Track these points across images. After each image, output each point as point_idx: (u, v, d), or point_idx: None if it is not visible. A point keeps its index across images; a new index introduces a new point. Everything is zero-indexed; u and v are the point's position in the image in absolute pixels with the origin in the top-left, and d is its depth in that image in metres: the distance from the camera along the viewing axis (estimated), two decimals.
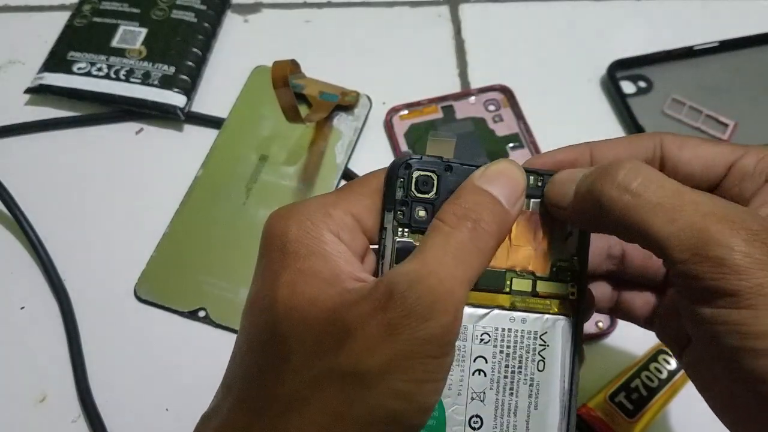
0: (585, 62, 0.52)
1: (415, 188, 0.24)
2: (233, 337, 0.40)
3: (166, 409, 0.39)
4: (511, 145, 0.47)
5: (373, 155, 0.47)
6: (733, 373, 0.21)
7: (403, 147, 0.47)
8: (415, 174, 0.24)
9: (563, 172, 0.25)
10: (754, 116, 0.49)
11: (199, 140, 0.48)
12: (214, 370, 0.40)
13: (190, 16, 0.52)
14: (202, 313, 0.41)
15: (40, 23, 0.53)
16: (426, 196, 0.24)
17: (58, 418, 0.38)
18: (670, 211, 0.21)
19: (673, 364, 0.38)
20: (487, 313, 0.25)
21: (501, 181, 0.24)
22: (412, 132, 0.48)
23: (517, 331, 0.25)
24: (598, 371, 0.39)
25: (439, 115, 0.48)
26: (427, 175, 0.24)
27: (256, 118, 0.48)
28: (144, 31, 0.51)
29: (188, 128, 0.49)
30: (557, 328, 0.25)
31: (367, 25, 0.54)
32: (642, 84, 0.50)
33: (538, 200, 0.25)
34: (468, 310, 0.25)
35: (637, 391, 0.37)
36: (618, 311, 0.30)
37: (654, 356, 0.38)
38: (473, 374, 0.25)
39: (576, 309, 0.26)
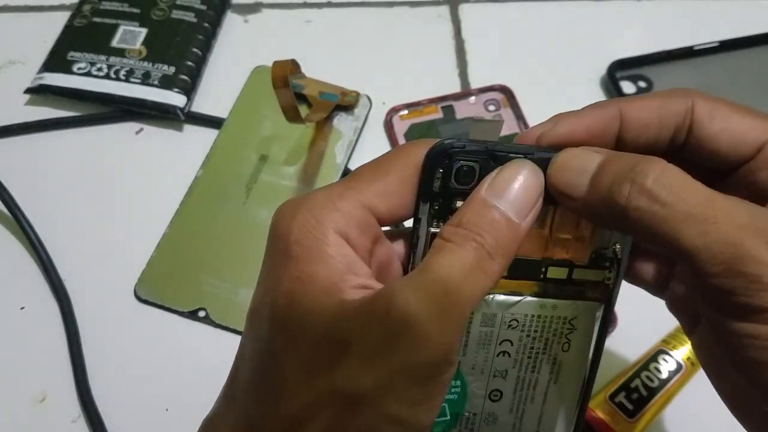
0: (585, 62, 0.52)
1: (455, 179, 0.22)
2: (233, 336, 0.41)
3: (166, 409, 0.39)
4: None
5: (373, 155, 0.47)
6: (752, 382, 0.20)
7: None
8: (456, 165, 0.22)
9: (570, 154, 0.22)
10: None
11: (199, 140, 0.48)
12: (214, 369, 0.40)
13: (190, 16, 0.52)
14: (202, 313, 0.41)
15: (40, 23, 0.53)
16: (466, 187, 0.22)
17: (58, 418, 0.38)
18: (702, 222, 0.20)
19: (673, 364, 0.38)
20: (518, 301, 0.24)
21: (511, 194, 0.22)
22: (412, 132, 0.48)
23: (546, 317, 0.24)
24: (598, 371, 0.39)
25: (439, 115, 0.48)
26: (470, 166, 0.22)
27: (256, 118, 0.48)
28: (144, 31, 0.51)
29: (188, 128, 0.49)
30: (588, 313, 0.25)
31: (367, 25, 0.54)
32: (642, 84, 0.50)
33: None
34: (499, 298, 0.24)
35: (637, 391, 0.37)
36: (628, 275, 0.28)
37: (654, 356, 0.38)
38: (497, 355, 0.24)
39: (610, 293, 0.25)
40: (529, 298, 0.24)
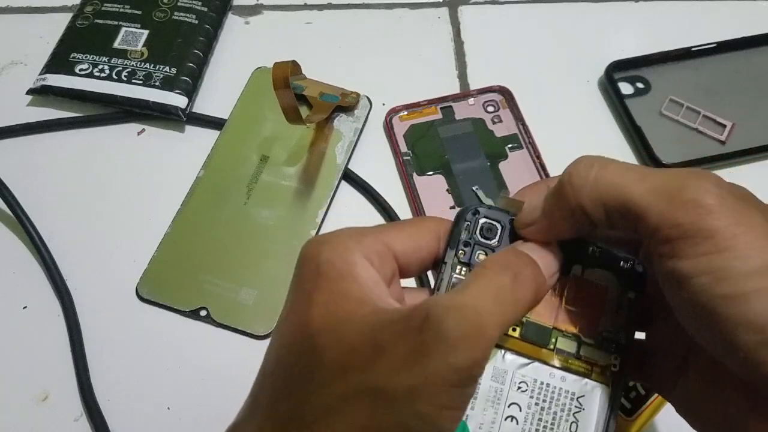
0: (583, 63, 0.52)
1: (480, 233, 0.26)
2: (234, 336, 0.41)
3: (168, 408, 0.39)
4: (510, 146, 0.47)
5: (373, 156, 0.48)
6: (722, 340, 0.21)
7: (403, 147, 0.47)
8: (482, 221, 0.26)
9: (528, 200, 0.26)
10: (752, 117, 0.49)
11: (200, 141, 0.48)
12: (216, 368, 0.40)
13: (191, 18, 0.52)
14: (203, 313, 0.42)
15: (42, 24, 0.54)
16: (488, 242, 0.26)
17: (61, 417, 0.39)
18: (639, 173, 0.23)
19: None
20: (529, 363, 0.26)
21: (541, 253, 0.25)
22: (412, 132, 0.48)
23: (555, 387, 0.26)
24: None
25: (439, 116, 0.49)
26: (492, 224, 0.26)
27: (257, 119, 0.48)
28: (145, 32, 0.51)
29: (189, 129, 0.49)
30: (595, 394, 0.26)
31: (367, 26, 0.55)
32: (640, 85, 0.50)
33: (593, 270, 0.27)
34: (510, 356, 0.26)
35: (635, 390, 0.38)
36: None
37: None
38: (505, 419, 0.25)
39: (616, 381, 0.26)
40: (539, 364, 0.26)
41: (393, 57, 0.53)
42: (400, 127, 0.48)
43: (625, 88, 0.50)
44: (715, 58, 0.52)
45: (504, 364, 0.26)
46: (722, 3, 0.56)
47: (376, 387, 0.21)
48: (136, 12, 0.52)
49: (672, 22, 0.54)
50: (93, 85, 0.48)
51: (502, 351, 0.26)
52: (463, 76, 0.52)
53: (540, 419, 0.25)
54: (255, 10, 0.55)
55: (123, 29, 0.51)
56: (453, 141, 0.48)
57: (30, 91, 0.49)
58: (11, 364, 0.40)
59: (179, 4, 0.52)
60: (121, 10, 0.52)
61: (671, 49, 0.51)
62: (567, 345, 0.26)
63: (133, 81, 0.49)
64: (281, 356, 0.24)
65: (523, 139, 0.48)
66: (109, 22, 0.52)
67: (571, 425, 0.25)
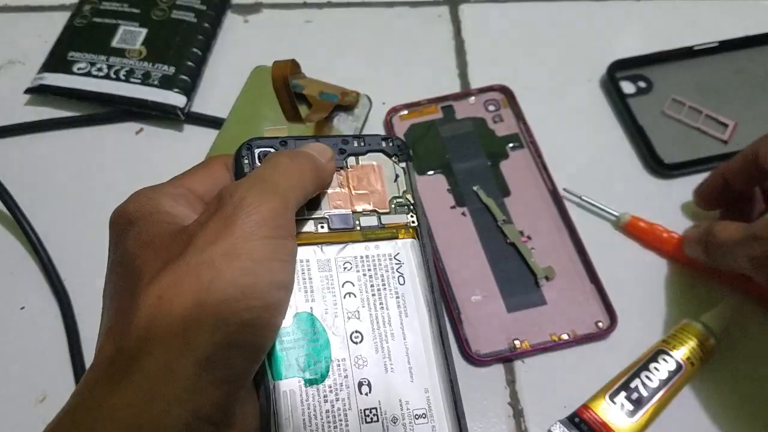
0: (585, 62, 0.52)
1: (259, 161, 0.30)
2: None
3: None
4: (510, 145, 0.47)
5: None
6: None
7: None
8: (257, 150, 0.30)
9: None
10: (754, 116, 0.49)
11: (199, 140, 0.48)
12: None
13: (190, 17, 0.52)
14: None
15: (40, 23, 0.54)
16: None
17: None
18: None
19: (672, 364, 0.38)
20: (345, 246, 0.30)
21: (318, 148, 0.30)
22: (412, 132, 0.48)
23: (373, 256, 0.30)
24: (598, 371, 0.39)
25: (439, 115, 0.48)
26: (267, 150, 0.30)
27: (257, 118, 0.48)
28: (144, 31, 0.51)
29: (188, 128, 0.49)
30: (406, 247, 0.30)
31: (367, 25, 0.54)
32: (642, 84, 0.50)
33: (365, 156, 0.32)
34: (327, 248, 0.29)
35: (637, 391, 0.37)
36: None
37: (654, 356, 0.38)
38: (345, 297, 0.29)
39: (418, 232, 0.31)
40: (353, 244, 0.30)
41: (393, 56, 0.53)
42: (401, 127, 0.48)
43: (627, 88, 0.50)
44: (718, 57, 0.51)
45: (324, 255, 0.29)
46: (724, 2, 0.55)
47: (194, 264, 0.23)
48: (135, 11, 0.52)
49: (674, 21, 0.54)
50: (91, 84, 0.48)
51: (320, 246, 0.29)
52: (463, 75, 0.52)
53: (372, 285, 0.29)
54: (254, 8, 0.55)
55: (121, 28, 0.51)
56: (453, 140, 0.47)
57: (28, 91, 0.49)
58: (9, 364, 0.40)
59: (178, 2, 0.52)
60: (120, 8, 0.52)
61: (673, 49, 0.51)
62: (368, 221, 0.31)
63: (132, 80, 0.48)
64: (110, 297, 0.26)
65: (523, 138, 0.47)
66: (107, 20, 0.51)
67: (398, 278, 0.30)
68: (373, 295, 0.29)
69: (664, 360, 0.38)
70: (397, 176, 0.32)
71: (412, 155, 0.33)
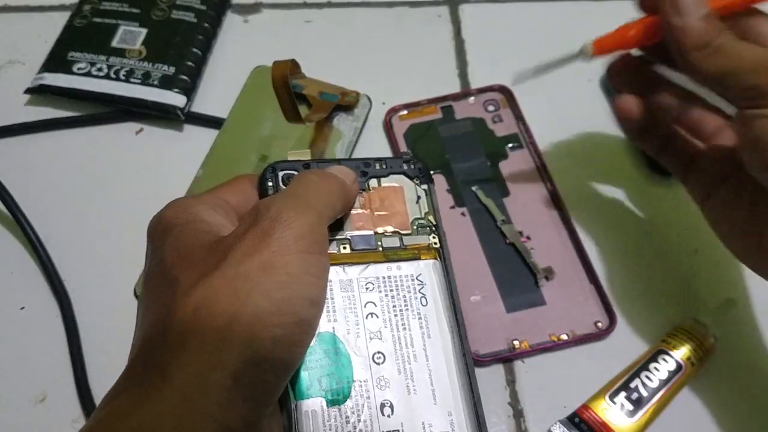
0: (585, 62, 0.52)
1: (283, 183, 0.31)
2: None
3: None
4: (510, 145, 0.47)
5: (372, 155, 0.47)
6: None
7: (402, 147, 0.47)
8: (281, 173, 0.31)
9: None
10: None
11: (199, 140, 0.48)
12: None
13: (190, 17, 0.52)
14: None
15: (40, 23, 0.54)
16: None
17: (58, 418, 0.38)
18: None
19: (672, 364, 0.38)
20: (366, 267, 0.30)
21: (336, 167, 0.31)
22: (412, 132, 0.48)
23: (395, 276, 0.30)
24: (597, 371, 0.39)
25: (439, 115, 0.49)
26: (290, 173, 0.31)
27: (256, 118, 0.48)
28: (144, 31, 0.51)
29: (188, 128, 0.49)
30: (429, 268, 0.30)
31: (367, 25, 0.54)
32: None
33: (386, 178, 0.33)
34: (350, 268, 0.30)
35: (637, 391, 0.37)
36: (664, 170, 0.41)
37: (654, 356, 0.38)
38: (367, 317, 0.29)
39: (441, 253, 0.31)
40: (375, 265, 0.30)
41: (393, 56, 0.53)
42: (400, 127, 0.48)
43: None
44: None
45: (347, 275, 0.29)
46: None
47: (231, 277, 0.23)
48: (135, 11, 0.52)
49: None
50: (91, 84, 0.48)
51: (342, 266, 0.29)
52: (463, 75, 0.52)
53: (394, 305, 0.29)
54: (254, 8, 0.55)
55: (121, 28, 0.51)
56: (453, 140, 0.47)
57: (28, 91, 0.49)
58: (9, 365, 0.40)
59: (178, 2, 0.52)
60: (120, 8, 0.52)
61: None
62: (391, 242, 0.31)
63: (132, 80, 0.48)
64: (146, 305, 0.26)
65: (523, 138, 0.47)
66: (107, 20, 0.51)
67: (420, 299, 0.29)
68: (396, 315, 0.29)
69: (664, 360, 0.38)
70: (418, 198, 0.33)
71: (431, 178, 0.34)
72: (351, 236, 0.30)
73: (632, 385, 0.38)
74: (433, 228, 0.32)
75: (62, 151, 0.48)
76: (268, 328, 0.23)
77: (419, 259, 0.31)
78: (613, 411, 0.37)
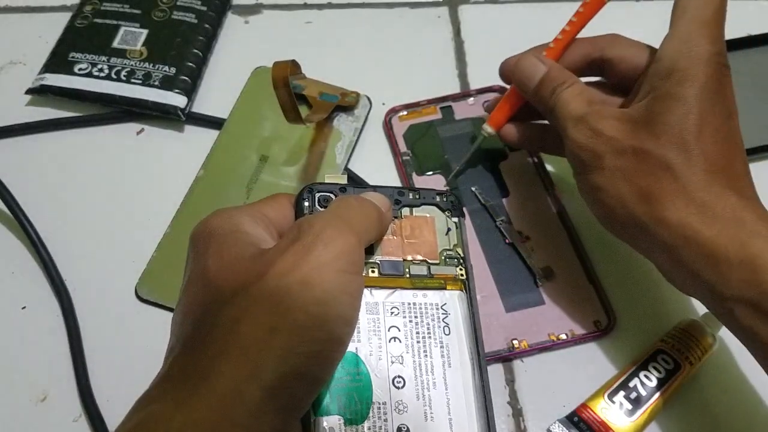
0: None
1: (319, 204, 0.31)
2: None
3: None
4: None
5: (372, 155, 0.48)
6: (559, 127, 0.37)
7: (402, 147, 0.47)
8: (318, 194, 0.32)
9: (526, 62, 0.40)
10: (752, 117, 0.48)
11: (199, 141, 0.48)
12: None
13: (190, 17, 0.52)
14: None
15: (41, 24, 0.54)
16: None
17: (60, 418, 0.39)
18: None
19: (671, 363, 0.38)
20: (393, 292, 0.30)
21: (372, 194, 0.32)
22: (411, 132, 0.48)
23: (421, 304, 0.30)
24: (596, 371, 0.39)
25: (438, 115, 0.49)
26: (327, 195, 0.32)
27: (257, 118, 0.48)
28: (145, 32, 0.51)
29: (189, 129, 0.49)
30: (454, 299, 0.31)
31: (367, 26, 0.55)
32: None
33: (419, 208, 0.33)
34: (377, 291, 0.30)
35: (636, 391, 0.38)
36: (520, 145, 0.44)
37: (653, 355, 0.39)
38: (390, 341, 0.29)
39: (466, 284, 0.32)
40: (401, 290, 0.31)
41: (393, 56, 0.53)
42: (400, 127, 0.48)
43: None
44: None
45: (373, 298, 0.30)
46: None
47: (273, 290, 0.24)
48: (136, 11, 0.52)
49: None
50: (92, 85, 0.48)
51: (369, 289, 0.30)
52: (463, 75, 0.52)
53: (418, 332, 0.30)
54: (255, 9, 0.55)
55: (122, 29, 0.51)
56: (453, 141, 0.47)
57: (29, 91, 0.49)
58: (10, 364, 0.40)
59: (179, 3, 0.52)
60: (121, 9, 0.52)
61: None
62: (419, 269, 0.32)
63: (132, 81, 0.48)
64: (186, 309, 0.26)
65: None
66: (108, 21, 0.52)
67: (443, 328, 0.30)
68: (418, 342, 0.29)
69: (663, 359, 0.38)
70: (449, 230, 0.33)
71: (462, 212, 0.35)
72: (380, 261, 0.31)
73: (631, 384, 0.38)
74: (461, 260, 0.32)
75: (63, 151, 0.48)
76: (305, 343, 0.23)
77: (445, 289, 0.31)
78: (612, 410, 0.37)
